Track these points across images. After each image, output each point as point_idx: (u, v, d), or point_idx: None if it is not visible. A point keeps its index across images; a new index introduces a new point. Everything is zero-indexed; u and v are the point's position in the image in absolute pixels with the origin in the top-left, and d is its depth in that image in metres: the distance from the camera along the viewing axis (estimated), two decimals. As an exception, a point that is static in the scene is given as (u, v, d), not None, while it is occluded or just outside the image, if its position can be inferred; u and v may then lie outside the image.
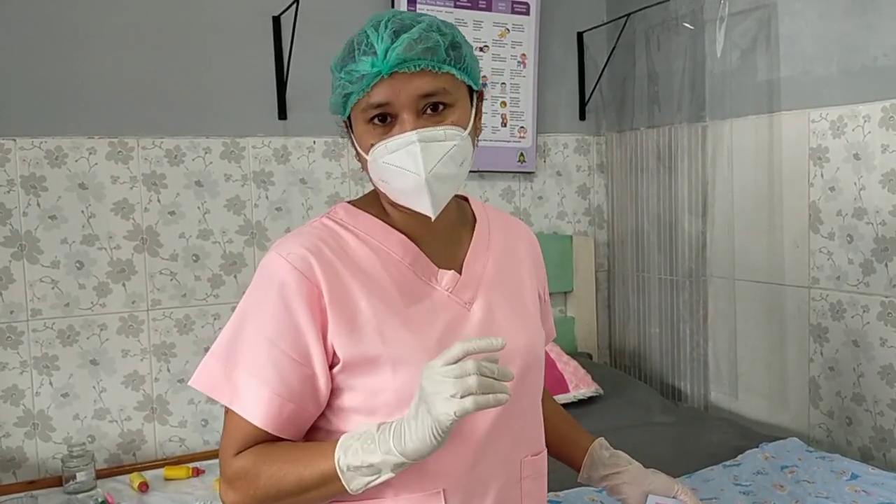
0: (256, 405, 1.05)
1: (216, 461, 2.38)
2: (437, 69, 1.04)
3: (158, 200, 2.43)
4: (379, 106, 1.05)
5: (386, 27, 1.03)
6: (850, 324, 2.33)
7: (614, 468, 1.30)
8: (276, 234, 2.59)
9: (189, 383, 1.11)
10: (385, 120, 1.06)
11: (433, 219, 1.08)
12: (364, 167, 1.12)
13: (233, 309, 2.68)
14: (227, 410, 1.08)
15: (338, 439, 1.03)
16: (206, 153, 2.50)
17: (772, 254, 2.55)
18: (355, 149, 1.12)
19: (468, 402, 0.91)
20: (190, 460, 2.39)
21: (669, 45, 2.80)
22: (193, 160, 2.48)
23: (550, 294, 3.25)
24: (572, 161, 3.15)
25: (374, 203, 1.17)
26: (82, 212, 2.34)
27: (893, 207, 2.18)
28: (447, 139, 1.05)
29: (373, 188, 1.17)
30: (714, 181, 2.72)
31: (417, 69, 1.03)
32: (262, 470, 1.04)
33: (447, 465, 1.07)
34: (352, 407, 1.08)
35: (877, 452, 2.28)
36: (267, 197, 2.59)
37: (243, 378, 1.06)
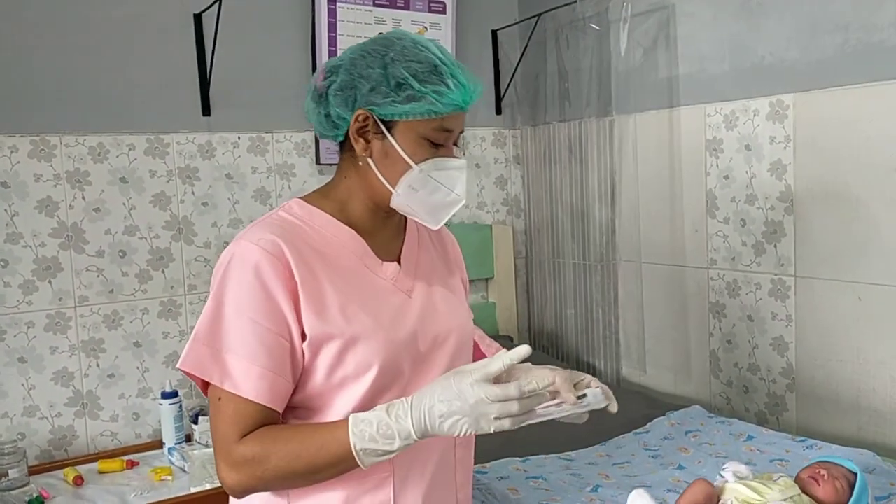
0: (247, 381, 1.11)
1: (149, 453, 2.44)
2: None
3: (83, 197, 2.44)
4: (448, 131, 1.21)
5: (461, 70, 1.21)
6: (745, 300, 2.55)
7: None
8: (203, 229, 2.63)
9: (177, 366, 1.16)
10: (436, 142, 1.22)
11: (436, 229, 1.27)
12: (371, 167, 1.21)
13: (161, 303, 2.68)
14: (219, 398, 1.12)
15: (344, 421, 1.10)
16: (130, 150, 2.52)
17: (673, 238, 2.75)
18: (366, 144, 1.20)
19: (507, 423, 1.06)
20: (122, 454, 2.42)
21: (578, 44, 2.97)
22: (118, 157, 2.50)
23: (473, 281, 3.37)
24: (490, 153, 3.30)
25: (325, 200, 1.27)
26: (5, 210, 2.33)
27: (780, 193, 2.41)
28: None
29: (319, 187, 1.28)
30: (621, 171, 2.91)
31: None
32: (272, 453, 1.10)
33: None
34: (315, 383, 1.17)
35: (771, 416, 2.51)
36: (193, 192, 2.62)
37: (231, 358, 1.12)
